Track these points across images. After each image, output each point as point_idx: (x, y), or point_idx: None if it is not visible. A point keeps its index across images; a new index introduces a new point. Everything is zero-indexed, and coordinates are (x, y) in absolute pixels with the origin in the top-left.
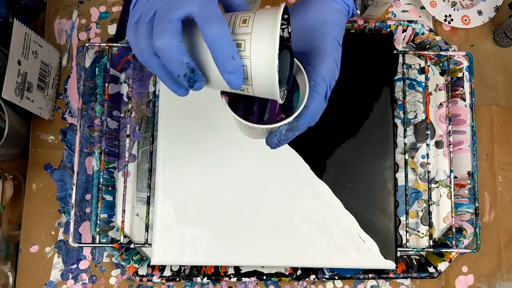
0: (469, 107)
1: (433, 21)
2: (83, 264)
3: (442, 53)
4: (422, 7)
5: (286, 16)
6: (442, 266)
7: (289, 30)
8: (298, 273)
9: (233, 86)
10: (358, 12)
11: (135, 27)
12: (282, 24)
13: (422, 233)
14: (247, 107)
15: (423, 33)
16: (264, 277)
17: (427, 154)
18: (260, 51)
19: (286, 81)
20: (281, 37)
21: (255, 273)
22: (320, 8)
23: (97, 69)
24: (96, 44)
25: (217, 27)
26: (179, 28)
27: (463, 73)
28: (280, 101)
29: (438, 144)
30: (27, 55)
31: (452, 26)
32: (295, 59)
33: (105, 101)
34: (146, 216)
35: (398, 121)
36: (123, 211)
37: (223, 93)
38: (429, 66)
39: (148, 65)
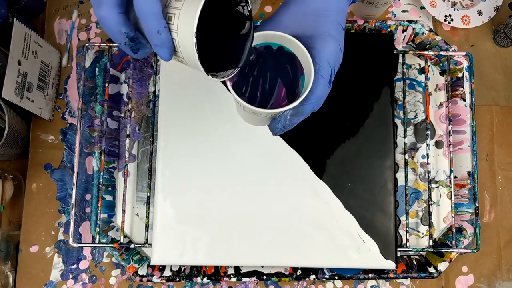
0: (469, 107)
1: (433, 21)
2: (83, 264)
3: (442, 53)
4: (422, 7)
5: None
6: (442, 266)
7: (249, 8)
8: (298, 273)
9: (163, 58)
10: None
11: None
12: (240, 2)
13: (422, 233)
14: (251, 92)
15: (423, 33)
16: (264, 277)
17: (427, 154)
18: (184, 26)
19: (236, 60)
20: (241, 14)
21: (255, 273)
22: None
23: (97, 69)
24: (96, 44)
25: (146, 0)
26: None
27: (463, 73)
28: (211, 77)
29: (438, 144)
30: (27, 55)
31: (452, 26)
32: (299, 42)
33: (105, 101)
34: (146, 216)
35: (398, 121)
36: (123, 211)
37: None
38: (429, 66)
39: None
